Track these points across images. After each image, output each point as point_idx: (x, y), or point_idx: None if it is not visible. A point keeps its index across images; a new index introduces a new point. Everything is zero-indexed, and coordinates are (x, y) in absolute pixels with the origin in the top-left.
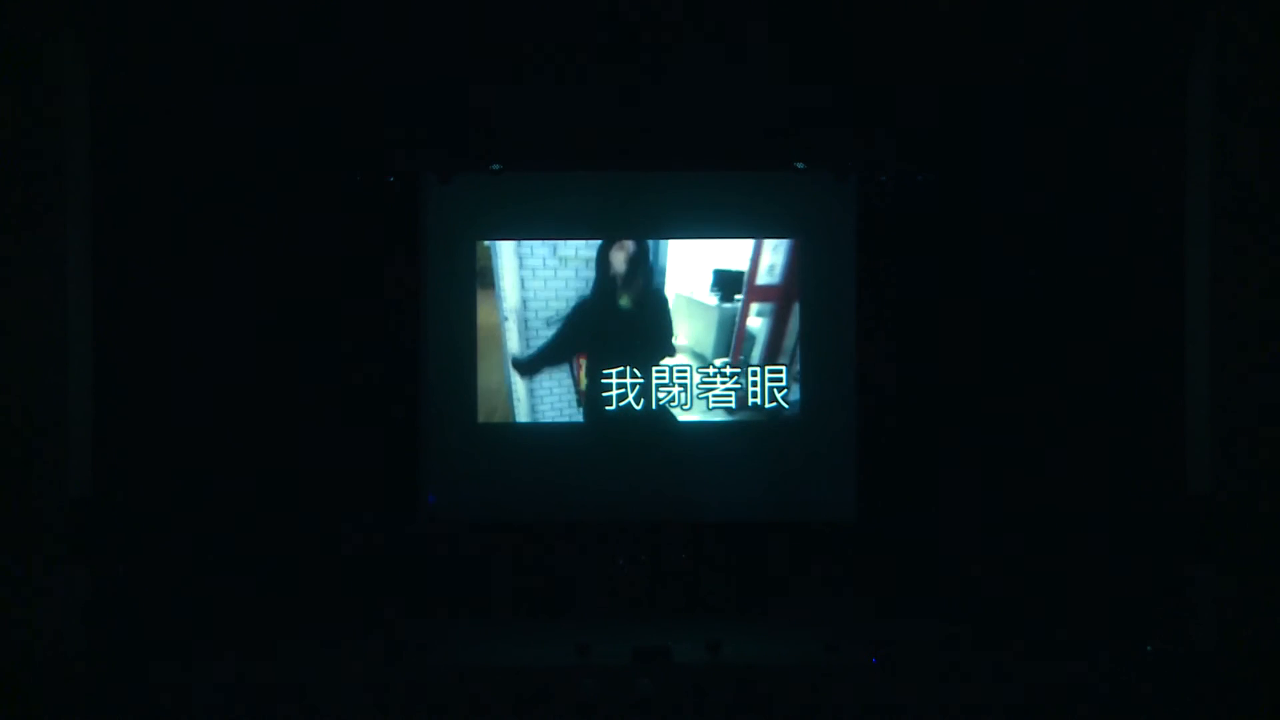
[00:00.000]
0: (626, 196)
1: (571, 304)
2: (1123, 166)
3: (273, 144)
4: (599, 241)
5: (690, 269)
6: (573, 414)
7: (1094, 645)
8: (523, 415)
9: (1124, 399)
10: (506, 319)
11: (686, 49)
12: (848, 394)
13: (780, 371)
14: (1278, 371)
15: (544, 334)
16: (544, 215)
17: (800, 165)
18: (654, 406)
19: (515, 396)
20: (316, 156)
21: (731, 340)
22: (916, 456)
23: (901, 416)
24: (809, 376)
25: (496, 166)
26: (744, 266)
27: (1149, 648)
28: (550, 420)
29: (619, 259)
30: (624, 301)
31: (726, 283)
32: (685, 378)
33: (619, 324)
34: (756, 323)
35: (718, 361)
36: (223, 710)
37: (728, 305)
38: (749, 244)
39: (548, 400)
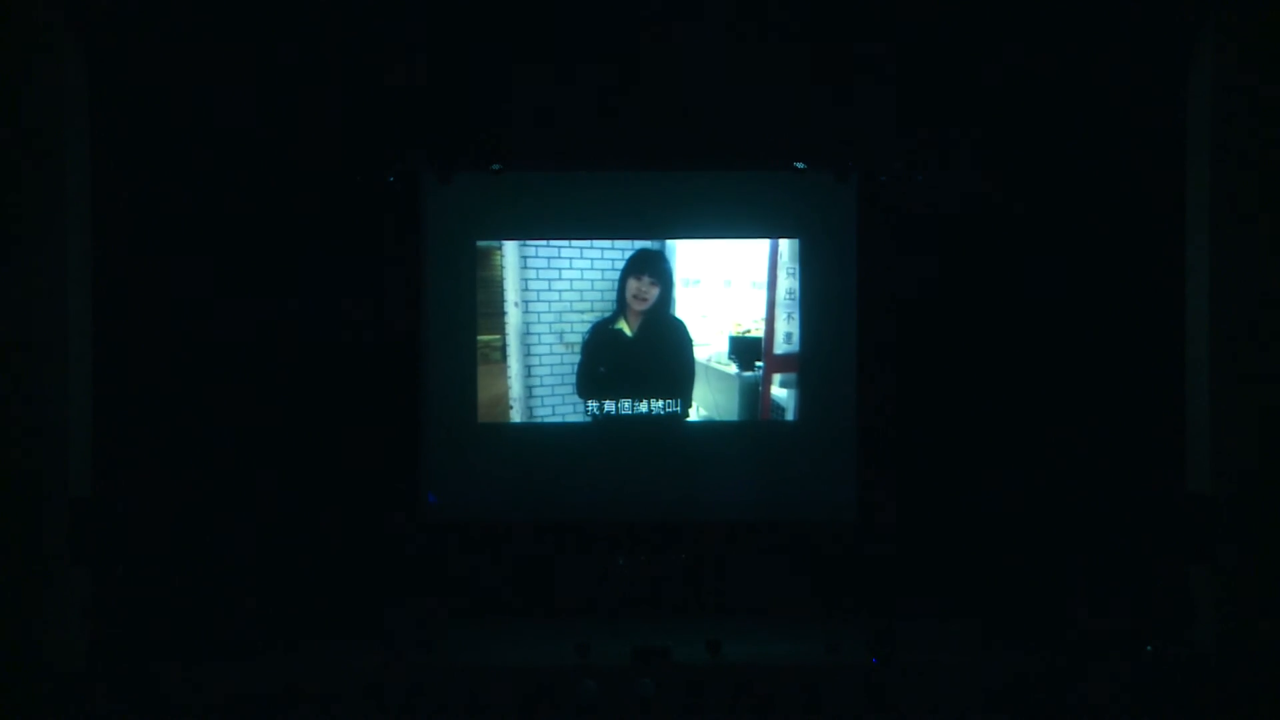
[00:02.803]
0: (627, 196)
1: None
2: (1123, 166)
3: (273, 144)
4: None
5: (707, 335)
6: (570, 414)
7: (1094, 645)
8: (519, 415)
9: (1124, 399)
10: (506, 314)
11: (688, 49)
12: (848, 394)
13: None
14: (1277, 371)
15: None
16: (544, 215)
17: (800, 165)
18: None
19: (513, 396)
20: (316, 156)
21: (757, 407)
22: (916, 456)
23: (902, 417)
24: (809, 377)
25: (496, 166)
26: (759, 333)
27: (1149, 648)
28: (550, 420)
29: (635, 288)
30: (637, 332)
31: (744, 350)
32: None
33: (634, 355)
34: (782, 393)
35: None
36: (223, 711)
37: (748, 374)
38: (762, 311)
39: (548, 402)
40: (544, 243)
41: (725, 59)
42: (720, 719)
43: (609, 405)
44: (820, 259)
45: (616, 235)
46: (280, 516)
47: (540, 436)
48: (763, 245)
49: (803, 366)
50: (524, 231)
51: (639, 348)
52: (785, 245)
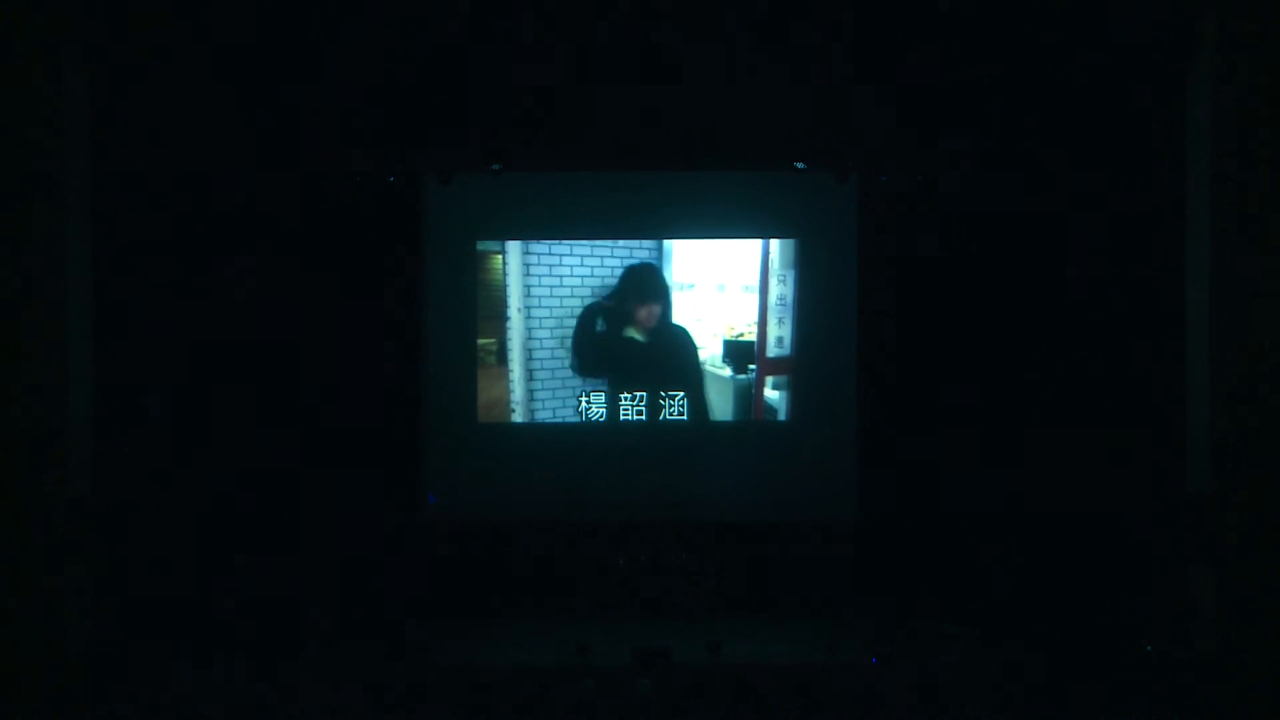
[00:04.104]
0: (626, 197)
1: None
2: (1123, 166)
3: (273, 144)
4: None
5: (701, 339)
6: (570, 417)
7: (1094, 645)
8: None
9: (1124, 399)
10: (509, 318)
11: (687, 50)
12: (848, 394)
13: None
14: (1277, 371)
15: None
16: (544, 215)
17: (800, 165)
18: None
19: (514, 400)
20: (317, 156)
21: (750, 409)
22: (917, 456)
23: (902, 416)
24: (810, 377)
25: (496, 166)
26: (752, 337)
27: (1149, 648)
28: (549, 420)
29: (645, 314)
30: (641, 337)
31: (738, 354)
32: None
33: (641, 356)
34: (774, 394)
35: None
36: (223, 710)
37: (742, 376)
38: (754, 315)
39: (549, 405)
40: (546, 250)
41: (726, 59)
42: (720, 719)
43: (599, 410)
44: (820, 259)
45: (617, 235)
46: (280, 516)
47: (540, 436)
48: (754, 251)
49: (803, 366)
50: (524, 231)
51: (653, 354)
52: (775, 252)
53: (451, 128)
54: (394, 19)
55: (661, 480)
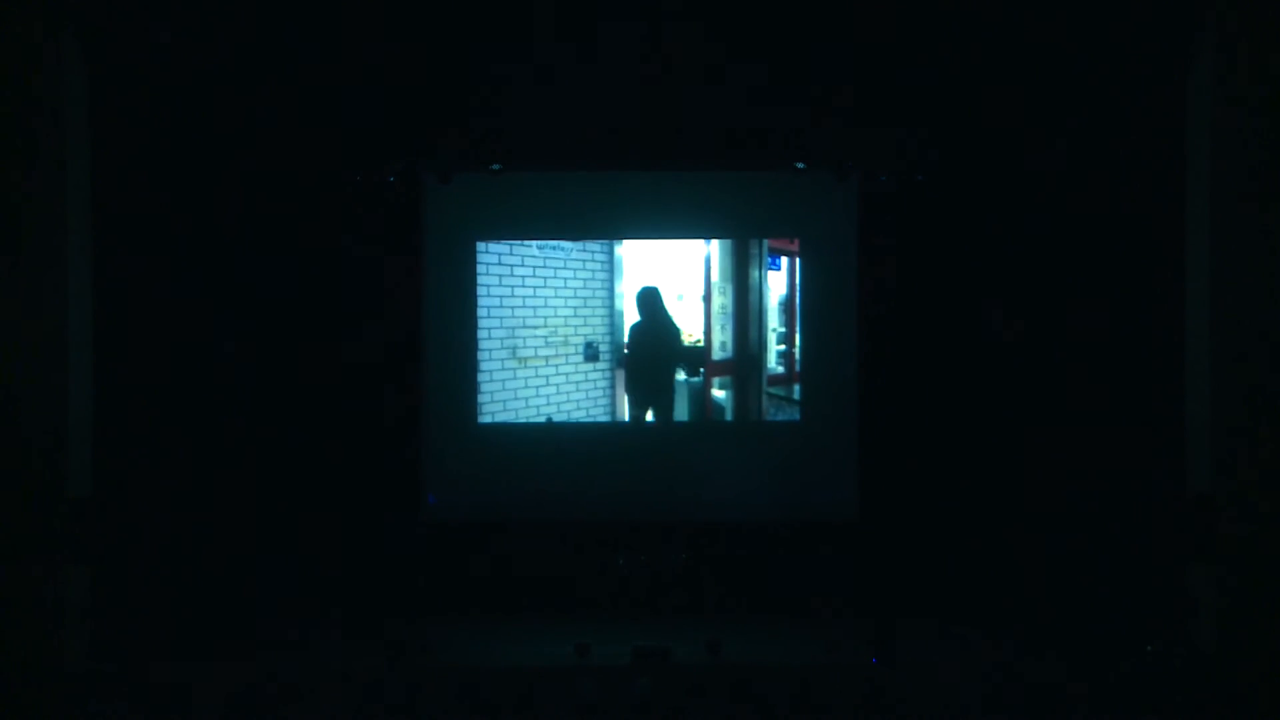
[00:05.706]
0: (627, 196)
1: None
2: (1123, 165)
3: (272, 144)
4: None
5: None
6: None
7: (1095, 645)
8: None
9: (1124, 399)
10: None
11: (687, 48)
12: (849, 394)
13: None
14: (1278, 371)
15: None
16: (544, 215)
17: (800, 165)
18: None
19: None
20: (317, 156)
21: (703, 409)
22: (917, 456)
23: (902, 416)
24: (810, 376)
25: (496, 166)
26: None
27: (1149, 648)
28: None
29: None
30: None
31: (692, 359)
32: None
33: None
34: (721, 394)
35: None
36: (222, 710)
37: (695, 379)
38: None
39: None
40: (495, 260)
41: (726, 58)
42: (720, 719)
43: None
44: (820, 259)
45: (617, 235)
46: (280, 516)
47: (540, 436)
48: (698, 264)
49: (804, 366)
50: (524, 231)
51: None
52: (715, 264)
53: (451, 128)
54: (394, 17)
55: (662, 480)
